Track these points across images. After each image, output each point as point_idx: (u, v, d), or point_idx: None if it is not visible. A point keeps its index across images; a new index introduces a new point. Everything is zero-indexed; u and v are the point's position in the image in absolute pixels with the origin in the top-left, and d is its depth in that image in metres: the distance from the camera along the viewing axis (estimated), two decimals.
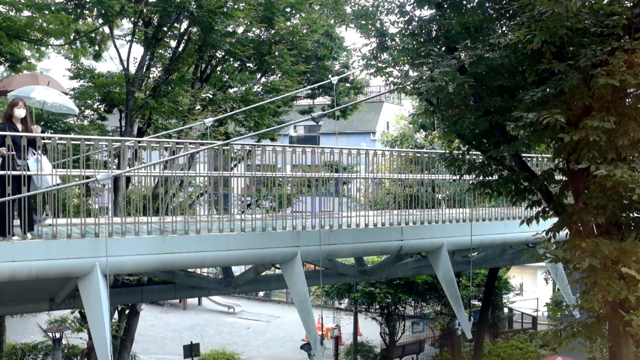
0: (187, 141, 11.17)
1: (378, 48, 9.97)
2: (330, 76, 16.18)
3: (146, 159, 12.16)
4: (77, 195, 13.99)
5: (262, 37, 18.23)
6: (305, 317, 10.24)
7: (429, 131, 23.23)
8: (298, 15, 19.05)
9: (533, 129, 8.23)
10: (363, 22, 9.95)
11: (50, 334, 18.66)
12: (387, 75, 10.08)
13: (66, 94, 11.81)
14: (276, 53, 17.44)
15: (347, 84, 20.46)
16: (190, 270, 12.62)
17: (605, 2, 7.52)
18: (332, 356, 24.47)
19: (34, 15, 16.39)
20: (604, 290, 7.98)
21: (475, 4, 9.10)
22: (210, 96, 17.42)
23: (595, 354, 16.55)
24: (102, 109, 17.71)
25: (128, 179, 14.88)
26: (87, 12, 16.04)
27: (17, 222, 8.26)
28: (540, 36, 7.27)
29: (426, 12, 9.45)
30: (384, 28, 9.88)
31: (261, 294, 35.68)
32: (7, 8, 16.34)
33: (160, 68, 17.62)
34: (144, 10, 15.38)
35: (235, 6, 16.39)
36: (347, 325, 26.56)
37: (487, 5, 9.02)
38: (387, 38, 9.91)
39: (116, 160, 14.28)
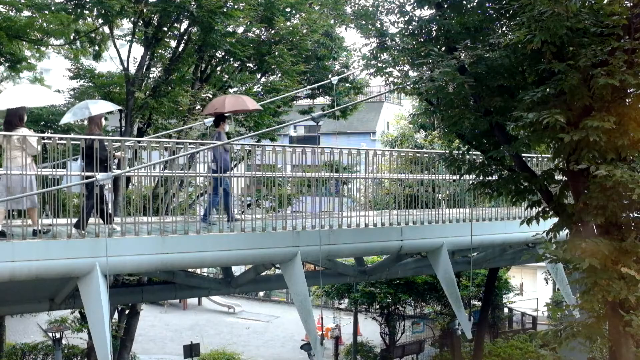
0: (187, 141, 11.17)
1: (378, 48, 9.96)
2: (330, 76, 16.18)
3: (146, 159, 12.16)
4: (77, 195, 13.97)
5: (262, 37, 18.23)
6: (305, 317, 10.24)
7: (429, 131, 23.22)
8: (298, 15, 19.05)
9: (533, 129, 8.22)
10: (363, 22, 9.95)
11: (50, 334, 18.65)
12: (387, 75, 10.08)
13: (259, 111, 13.24)
14: (276, 53, 17.44)
15: (347, 84, 20.46)
16: (190, 270, 12.62)
17: (605, 2, 7.52)
18: (332, 356, 24.47)
19: (34, 15, 16.38)
20: (604, 290, 7.99)
21: (475, 4, 9.10)
22: (210, 96, 17.41)
23: (595, 354, 16.55)
24: None
25: (128, 179, 14.88)
26: (87, 12, 16.03)
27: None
28: (540, 36, 7.27)
29: (426, 12, 9.46)
30: (384, 28, 9.88)
31: (261, 294, 35.68)
32: (7, 8, 16.33)
33: (160, 68, 17.62)
34: (144, 10, 15.38)
35: (235, 6, 16.39)
36: (347, 325, 26.56)
37: (487, 5, 9.02)
38: (387, 38, 9.91)
39: (116, 160, 14.25)
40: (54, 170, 8.86)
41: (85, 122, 9.79)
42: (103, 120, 9.51)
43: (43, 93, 9.10)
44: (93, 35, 18.33)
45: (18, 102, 8.36)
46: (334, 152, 11.13)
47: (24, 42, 17.52)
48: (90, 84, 17.26)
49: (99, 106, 9.59)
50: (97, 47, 18.70)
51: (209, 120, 12.48)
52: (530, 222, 9.33)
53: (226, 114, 11.09)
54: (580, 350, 9.27)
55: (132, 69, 16.43)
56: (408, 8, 9.41)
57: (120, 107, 10.96)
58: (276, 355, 25.90)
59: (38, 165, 8.62)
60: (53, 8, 15.74)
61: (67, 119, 9.91)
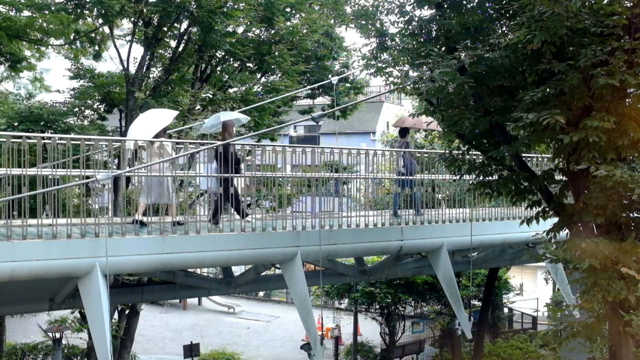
0: (187, 141, 11.17)
1: (378, 48, 9.97)
2: (330, 76, 16.17)
3: (146, 159, 12.16)
4: (77, 195, 13.99)
5: (262, 37, 18.22)
6: (305, 317, 10.24)
7: (429, 131, 23.20)
8: (298, 15, 19.05)
9: (533, 129, 8.22)
10: (363, 22, 9.95)
11: (50, 334, 18.66)
12: (387, 75, 10.08)
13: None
14: (276, 53, 17.43)
15: (347, 84, 20.44)
16: (190, 270, 12.62)
17: (605, 2, 7.52)
18: (332, 356, 24.47)
19: (34, 15, 16.37)
20: (604, 290, 7.99)
21: (475, 4, 9.10)
22: (210, 96, 17.41)
23: (595, 354, 16.55)
24: (102, 109, 17.71)
25: (128, 179, 14.87)
26: (87, 12, 16.01)
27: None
28: (540, 36, 7.27)
29: (426, 12, 9.46)
30: (384, 28, 9.88)
31: (261, 294, 35.68)
32: (7, 8, 16.32)
33: (160, 68, 17.61)
34: (144, 10, 15.37)
35: (235, 6, 16.39)
36: (347, 325, 26.57)
37: (487, 5, 9.02)
38: (387, 38, 9.91)
39: (116, 160, 14.27)
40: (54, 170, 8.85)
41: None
42: (234, 128, 10.92)
43: (169, 112, 10.96)
44: (93, 35, 18.32)
45: (163, 123, 10.13)
46: (334, 152, 11.13)
47: (24, 42, 17.51)
48: (90, 84, 17.23)
49: (229, 114, 11.31)
50: (97, 47, 18.69)
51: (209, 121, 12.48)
52: (530, 222, 9.33)
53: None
54: (580, 350, 9.26)
55: (132, 69, 16.42)
56: (408, 8, 9.41)
57: (249, 118, 12.29)
58: (276, 355, 25.89)
59: (38, 166, 8.63)
60: (53, 8, 15.72)
61: (204, 130, 11.62)
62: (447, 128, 10.37)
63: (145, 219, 9.49)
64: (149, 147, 9.90)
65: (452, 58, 8.36)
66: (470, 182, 10.75)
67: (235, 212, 10.21)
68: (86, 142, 8.90)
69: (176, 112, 11.46)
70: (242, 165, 10.60)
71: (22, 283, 8.63)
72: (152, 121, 10.13)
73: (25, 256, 7.86)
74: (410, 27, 9.43)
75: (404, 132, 13.19)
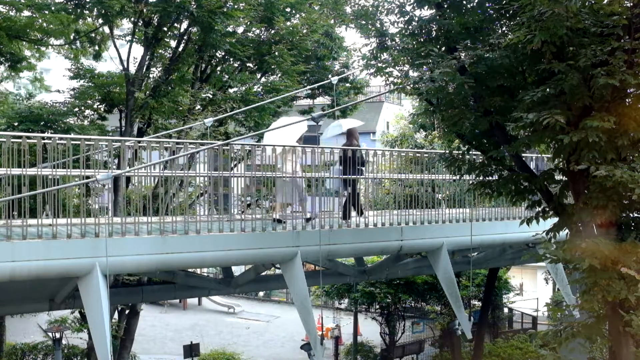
0: (187, 141, 11.17)
1: (378, 48, 9.96)
2: (330, 76, 16.16)
3: (146, 159, 12.16)
4: (77, 195, 13.99)
5: (262, 37, 18.22)
6: (305, 317, 10.24)
7: (429, 131, 23.16)
8: (298, 15, 19.05)
9: (533, 129, 8.23)
10: (363, 22, 9.95)
11: (50, 334, 18.64)
12: (387, 75, 10.07)
13: None
14: (276, 53, 17.43)
15: (347, 84, 20.44)
16: (190, 270, 12.62)
17: (605, 2, 7.52)
18: (332, 356, 24.47)
19: (34, 15, 16.38)
20: (604, 290, 7.99)
21: (475, 4, 9.10)
22: (210, 96, 17.42)
23: (595, 354, 16.53)
24: (102, 109, 17.71)
25: (128, 179, 14.87)
26: (87, 12, 16.02)
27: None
28: (540, 36, 7.27)
29: (426, 12, 9.46)
30: (384, 28, 9.88)
31: (261, 294, 35.66)
32: (7, 8, 16.33)
33: (160, 68, 17.61)
34: (144, 10, 15.37)
35: (235, 6, 16.39)
36: (347, 325, 26.56)
37: (487, 5, 9.02)
38: (387, 38, 9.90)
39: (116, 160, 14.28)
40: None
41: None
42: (357, 133, 11.69)
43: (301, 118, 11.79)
44: (93, 35, 18.33)
45: (300, 131, 10.96)
46: (334, 152, 11.11)
47: (24, 42, 17.52)
48: (90, 84, 17.23)
49: (348, 122, 12.16)
50: (97, 47, 18.70)
51: (209, 120, 12.49)
52: (530, 222, 9.33)
53: None
54: (580, 350, 9.26)
55: (132, 69, 16.42)
56: (408, 8, 9.40)
57: (362, 123, 13.05)
58: (276, 355, 25.89)
59: (38, 166, 8.63)
60: (53, 8, 15.73)
61: (324, 137, 12.38)
62: (447, 128, 10.37)
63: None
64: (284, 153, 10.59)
65: (452, 58, 8.36)
66: (470, 182, 10.74)
67: (354, 209, 11.06)
68: (86, 142, 8.90)
69: (305, 118, 11.95)
70: (365, 167, 11.37)
71: (22, 283, 8.62)
72: (290, 129, 10.92)
73: (25, 256, 7.86)
74: (410, 27, 9.42)
75: None
